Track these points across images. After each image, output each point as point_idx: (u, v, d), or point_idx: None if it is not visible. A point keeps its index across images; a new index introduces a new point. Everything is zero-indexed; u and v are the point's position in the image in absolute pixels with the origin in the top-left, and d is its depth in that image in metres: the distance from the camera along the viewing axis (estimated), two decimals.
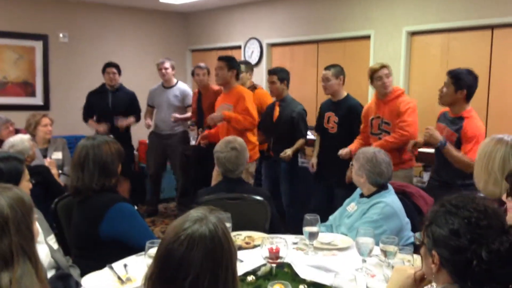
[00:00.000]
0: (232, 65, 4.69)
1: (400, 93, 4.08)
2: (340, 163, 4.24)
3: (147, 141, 6.75)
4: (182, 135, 6.01)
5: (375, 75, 4.08)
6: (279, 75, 4.84)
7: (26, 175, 2.51)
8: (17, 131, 4.85)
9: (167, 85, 5.93)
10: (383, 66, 4.09)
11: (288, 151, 4.67)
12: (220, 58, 4.74)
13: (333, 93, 4.47)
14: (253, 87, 5.36)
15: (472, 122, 3.51)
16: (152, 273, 1.32)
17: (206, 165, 5.06)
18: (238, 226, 2.71)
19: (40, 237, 2.36)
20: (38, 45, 6.74)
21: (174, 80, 5.96)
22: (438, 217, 1.42)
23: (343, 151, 4.24)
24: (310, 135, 5.15)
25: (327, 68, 4.47)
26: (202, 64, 5.67)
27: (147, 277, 1.33)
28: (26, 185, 2.49)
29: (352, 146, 4.25)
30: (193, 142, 5.84)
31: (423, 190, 3.25)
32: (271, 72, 4.95)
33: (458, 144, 3.49)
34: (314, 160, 4.68)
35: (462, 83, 3.50)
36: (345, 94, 4.50)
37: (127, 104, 5.82)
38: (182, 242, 1.28)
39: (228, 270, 1.31)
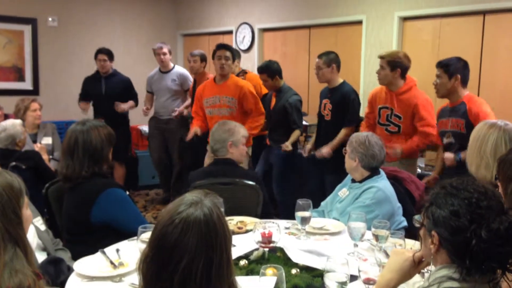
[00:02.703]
0: (235, 55, 4.64)
1: (412, 85, 3.88)
2: (334, 149, 4.24)
3: (138, 127, 6.73)
4: (181, 120, 5.94)
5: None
6: (268, 72, 4.77)
7: None
8: (6, 116, 4.81)
9: (164, 70, 5.86)
10: (381, 57, 3.91)
11: (287, 143, 4.61)
12: (227, 48, 4.59)
13: (326, 81, 4.43)
14: (243, 72, 5.32)
15: (476, 103, 3.47)
16: (146, 256, 1.31)
17: (199, 151, 5.03)
18: (230, 210, 2.71)
19: None
20: (27, 29, 6.65)
21: (171, 65, 5.91)
22: (438, 198, 1.43)
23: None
24: (305, 122, 5.13)
25: (319, 56, 4.40)
26: (195, 51, 5.62)
27: (141, 260, 1.33)
28: None
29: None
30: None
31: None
32: (260, 70, 4.86)
33: (468, 128, 3.34)
34: (308, 146, 4.67)
35: (453, 70, 3.48)
36: (340, 81, 4.42)
37: (121, 89, 5.74)
38: (176, 226, 1.28)
39: (223, 254, 1.31)
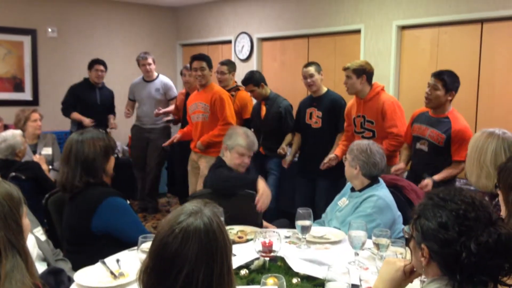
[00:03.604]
0: (210, 64, 4.68)
1: (379, 91, 4.05)
2: (324, 156, 4.26)
3: None
4: (164, 129, 6.04)
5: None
6: (253, 81, 4.83)
7: None
8: (6, 127, 4.82)
9: (148, 79, 5.94)
10: (345, 68, 4.07)
11: (283, 145, 4.67)
12: (201, 58, 4.66)
13: (317, 89, 4.48)
14: (236, 89, 5.27)
15: (460, 122, 3.54)
16: (147, 267, 1.31)
17: (185, 161, 5.07)
18: (230, 220, 2.70)
19: None
20: (27, 40, 6.67)
21: (155, 74, 5.98)
22: (426, 210, 1.42)
23: (329, 159, 4.20)
24: None
25: (307, 65, 4.47)
26: (188, 66, 5.62)
27: (141, 270, 1.33)
28: None
29: (337, 152, 4.22)
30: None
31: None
32: (244, 82, 4.89)
33: (447, 144, 3.51)
34: (290, 158, 4.72)
35: (451, 86, 3.53)
36: (325, 89, 4.52)
37: (111, 101, 5.99)
38: (176, 236, 1.28)
39: (224, 263, 1.31)
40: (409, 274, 1.59)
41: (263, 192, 2.90)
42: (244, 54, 6.83)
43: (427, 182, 3.41)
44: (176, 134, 5.11)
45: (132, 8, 7.59)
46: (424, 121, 3.69)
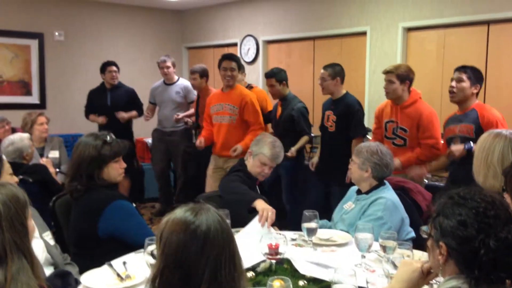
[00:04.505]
0: (240, 65, 4.64)
1: (417, 99, 3.88)
2: (338, 161, 4.21)
3: (144, 139, 6.75)
4: (185, 132, 5.99)
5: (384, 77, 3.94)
6: (277, 77, 4.80)
7: (7, 169, 2.49)
8: (13, 130, 4.84)
9: (168, 82, 5.91)
10: (387, 72, 3.89)
11: (292, 149, 4.61)
12: (232, 58, 4.58)
13: (330, 93, 4.42)
14: (249, 87, 5.28)
15: (487, 109, 3.50)
16: (163, 270, 1.33)
17: (201, 162, 5.03)
18: (235, 223, 2.71)
19: (35, 232, 2.35)
20: (34, 44, 6.71)
21: (176, 77, 5.95)
22: (446, 208, 1.43)
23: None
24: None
25: (325, 67, 4.39)
26: (195, 68, 5.62)
27: (153, 277, 1.34)
28: (8, 177, 2.48)
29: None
30: (195, 140, 5.80)
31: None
32: (268, 75, 4.87)
33: (477, 134, 3.29)
34: (315, 159, 4.64)
35: (476, 78, 3.51)
36: (343, 92, 4.41)
37: (126, 101, 5.84)
38: (196, 237, 1.32)
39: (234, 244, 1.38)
40: (426, 274, 1.59)
41: (263, 210, 2.70)
42: (250, 56, 6.84)
43: (459, 147, 3.34)
44: (200, 138, 4.75)
45: (138, 11, 7.62)
46: (453, 122, 3.64)
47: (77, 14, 7.05)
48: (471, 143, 3.31)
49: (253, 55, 6.80)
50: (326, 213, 3.17)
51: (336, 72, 4.35)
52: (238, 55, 6.94)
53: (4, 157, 2.54)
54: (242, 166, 3.19)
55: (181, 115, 5.79)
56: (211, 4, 7.37)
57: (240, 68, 4.66)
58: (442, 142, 3.80)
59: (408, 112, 3.85)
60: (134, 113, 5.86)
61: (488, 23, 4.48)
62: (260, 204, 2.75)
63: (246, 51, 6.91)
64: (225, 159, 4.61)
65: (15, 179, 2.53)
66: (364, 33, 5.43)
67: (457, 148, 3.39)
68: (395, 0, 5.10)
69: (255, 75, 6.70)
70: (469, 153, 3.25)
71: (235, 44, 7.12)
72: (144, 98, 6.11)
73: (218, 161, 4.70)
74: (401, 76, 3.82)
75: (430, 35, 4.92)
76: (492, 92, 4.50)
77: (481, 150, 2.43)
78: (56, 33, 6.88)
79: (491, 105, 4.45)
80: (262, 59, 6.71)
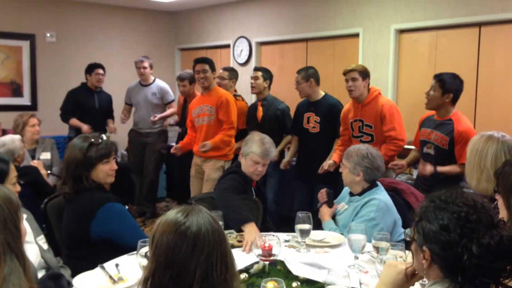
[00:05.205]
0: (213, 66, 4.71)
1: (377, 95, 4.04)
2: (323, 160, 4.25)
3: None
4: (161, 133, 6.04)
5: (345, 77, 4.06)
6: (264, 73, 4.94)
7: (12, 177, 2.47)
8: (4, 132, 4.81)
9: (144, 83, 5.94)
10: (351, 70, 4.01)
11: (284, 161, 4.74)
12: (204, 61, 4.70)
13: (306, 95, 4.49)
14: (236, 96, 5.26)
15: (463, 123, 3.53)
16: (154, 272, 1.32)
17: (185, 164, 5.07)
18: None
19: (29, 237, 2.34)
20: (25, 45, 6.67)
21: (152, 78, 5.97)
22: (427, 212, 1.42)
23: (326, 165, 4.12)
24: None
25: (298, 71, 4.50)
26: (182, 74, 5.63)
27: (145, 278, 1.34)
28: (11, 186, 2.45)
29: (335, 157, 4.18)
30: (172, 143, 5.78)
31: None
32: (256, 68, 5.02)
33: (450, 146, 3.50)
34: (287, 159, 4.75)
35: (448, 87, 3.53)
36: (322, 94, 4.50)
37: (109, 105, 5.97)
38: (187, 239, 1.31)
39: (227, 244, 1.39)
40: (410, 277, 1.59)
41: (247, 241, 2.57)
42: (243, 58, 6.84)
43: (430, 168, 3.47)
44: (176, 145, 4.91)
45: (130, 12, 7.59)
46: (429, 125, 3.70)
47: (69, 15, 7.01)
48: (437, 169, 3.50)
49: (246, 57, 6.80)
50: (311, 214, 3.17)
51: (309, 74, 4.43)
52: (231, 56, 6.96)
53: (12, 166, 2.51)
54: (238, 167, 3.19)
55: (158, 116, 5.81)
56: (204, 6, 7.36)
57: (213, 69, 4.71)
58: (413, 139, 3.96)
59: (370, 108, 4.01)
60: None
61: (479, 25, 4.51)
62: (248, 230, 2.66)
63: (239, 53, 6.91)
64: (202, 159, 4.69)
65: (18, 188, 2.50)
66: (356, 35, 5.44)
67: (429, 169, 3.52)
68: (388, 2, 5.12)
69: (248, 77, 6.68)
70: (433, 176, 3.51)
71: (228, 46, 7.11)
72: None
73: (197, 161, 4.77)
74: (363, 73, 4.00)
75: (422, 37, 4.94)
76: (484, 94, 4.52)
77: (473, 154, 2.41)
78: (48, 34, 6.84)
79: (482, 107, 4.51)
80: (255, 60, 6.71)
